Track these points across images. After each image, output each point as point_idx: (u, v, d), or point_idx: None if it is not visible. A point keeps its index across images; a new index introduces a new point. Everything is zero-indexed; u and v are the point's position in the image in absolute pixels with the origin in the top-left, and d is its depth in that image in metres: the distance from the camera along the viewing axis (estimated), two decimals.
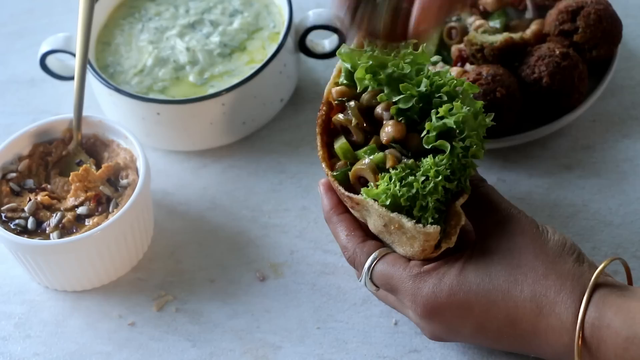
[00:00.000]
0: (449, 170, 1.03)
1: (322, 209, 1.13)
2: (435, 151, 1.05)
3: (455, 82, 1.07)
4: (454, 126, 1.03)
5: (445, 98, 1.06)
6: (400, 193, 1.02)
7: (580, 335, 0.98)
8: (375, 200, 1.03)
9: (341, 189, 1.07)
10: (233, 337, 1.18)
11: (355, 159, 1.09)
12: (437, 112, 1.05)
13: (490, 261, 1.03)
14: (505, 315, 1.02)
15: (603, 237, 1.22)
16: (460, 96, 1.06)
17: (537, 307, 1.00)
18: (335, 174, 1.08)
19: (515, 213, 1.06)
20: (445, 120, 1.04)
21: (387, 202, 1.02)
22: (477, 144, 1.05)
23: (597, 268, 1.01)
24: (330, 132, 1.12)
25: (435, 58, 1.12)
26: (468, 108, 1.05)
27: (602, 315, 0.97)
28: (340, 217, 1.11)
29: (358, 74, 1.10)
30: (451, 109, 1.04)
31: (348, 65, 1.11)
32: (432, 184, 1.02)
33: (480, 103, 1.07)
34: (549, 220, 1.23)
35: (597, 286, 1.00)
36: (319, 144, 1.11)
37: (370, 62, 1.09)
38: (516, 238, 1.04)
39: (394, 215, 1.02)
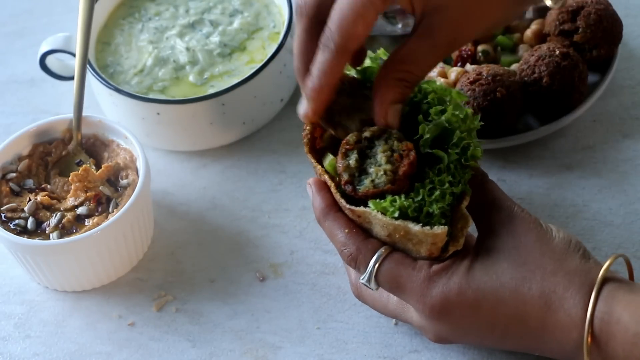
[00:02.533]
0: (450, 177, 1.03)
1: (313, 208, 1.10)
2: (432, 159, 1.05)
3: (444, 89, 1.07)
4: (447, 125, 1.03)
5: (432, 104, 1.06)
6: (407, 204, 1.02)
7: (590, 330, 0.98)
8: (383, 213, 1.03)
9: (343, 202, 1.06)
10: (233, 337, 1.18)
11: None
12: (427, 116, 1.05)
13: (497, 260, 1.03)
14: (514, 313, 1.02)
15: (603, 237, 1.22)
16: (448, 103, 1.06)
17: (545, 304, 1.00)
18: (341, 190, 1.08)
19: (519, 212, 1.06)
20: (437, 121, 1.04)
21: (396, 215, 1.02)
22: (474, 144, 1.05)
23: (602, 265, 1.02)
24: (317, 150, 1.11)
25: None
26: (457, 112, 1.05)
27: (611, 310, 0.97)
28: (337, 214, 1.08)
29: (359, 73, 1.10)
30: (442, 110, 1.05)
31: None
32: (438, 192, 1.02)
33: (469, 110, 1.07)
34: (549, 220, 1.23)
35: (605, 281, 1.00)
36: (313, 161, 1.10)
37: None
38: (521, 237, 1.04)
39: (399, 222, 1.02)
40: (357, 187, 1.04)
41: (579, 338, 0.99)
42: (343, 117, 1.08)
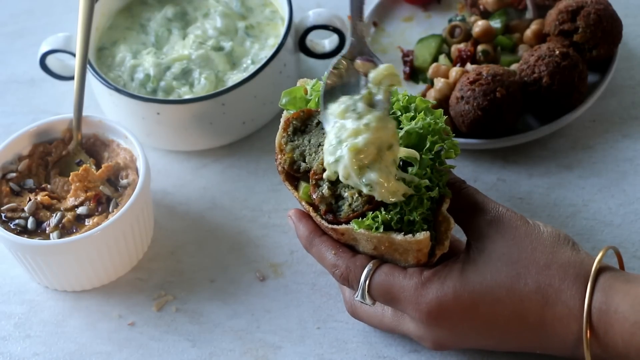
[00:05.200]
0: (426, 181, 1.03)
1: (298, 237, 1.12)
2: (405, 164, 1.05)
3: (408, 97, 1.08)
4: (419, 131, 1.04)
5: (399, 113, 1.07)
6: (390, 217, 1.02)
7: (588, 321, 0.98)
8: (368, 230, 1.03)
9: (325, 223, 1.06)
10: (233, 337, 1.18)
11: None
12: (399, 124, 1.05)
13: (489, 259, 1.03)
14: (511, 310, 1.02)
15: (603, 237, 1.22)
16: (412, 112, 1.07)
17: (542, 298, 1.00)
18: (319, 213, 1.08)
19: (504, 211, 1.06)
20: (408, 128, 1.04)
21: (381, 230, 1.02)
22: (447, 145, 1.05)
23: (593, 257, 1.02)
24: (292, 177, 1.11)
25: None
26: (429, 118, 1.05)
27: (609, 301, 0.98)
28: (322, 238, 1.10)
29: (311, 105, 1.10)
30: (412, 117, 1.05)
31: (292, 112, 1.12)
32: (415, 198, 1.02)
33: (439, 111, 1.07)
34: (549, 220, 1.23)
35: (600, 271, 1.00)
36: (290, 188, 1.10)
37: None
38: (511, 234, 1.04)
39: (382, 234, 1.02)
40: (338, 214, 1.05)
41: (578, 330, 0.99)
42: (307, 157, 1.09)
